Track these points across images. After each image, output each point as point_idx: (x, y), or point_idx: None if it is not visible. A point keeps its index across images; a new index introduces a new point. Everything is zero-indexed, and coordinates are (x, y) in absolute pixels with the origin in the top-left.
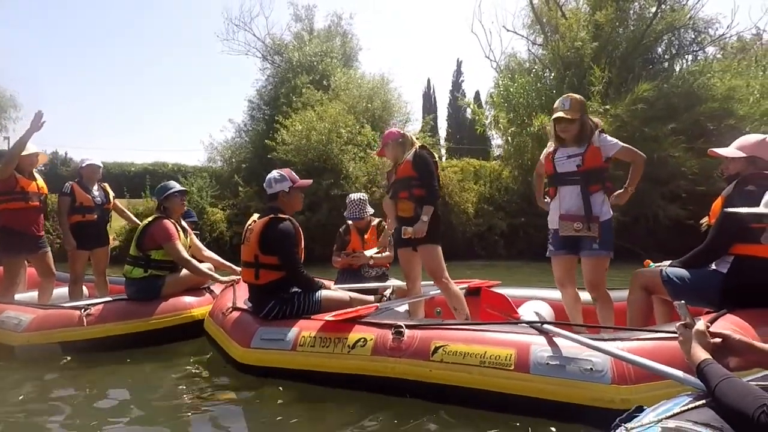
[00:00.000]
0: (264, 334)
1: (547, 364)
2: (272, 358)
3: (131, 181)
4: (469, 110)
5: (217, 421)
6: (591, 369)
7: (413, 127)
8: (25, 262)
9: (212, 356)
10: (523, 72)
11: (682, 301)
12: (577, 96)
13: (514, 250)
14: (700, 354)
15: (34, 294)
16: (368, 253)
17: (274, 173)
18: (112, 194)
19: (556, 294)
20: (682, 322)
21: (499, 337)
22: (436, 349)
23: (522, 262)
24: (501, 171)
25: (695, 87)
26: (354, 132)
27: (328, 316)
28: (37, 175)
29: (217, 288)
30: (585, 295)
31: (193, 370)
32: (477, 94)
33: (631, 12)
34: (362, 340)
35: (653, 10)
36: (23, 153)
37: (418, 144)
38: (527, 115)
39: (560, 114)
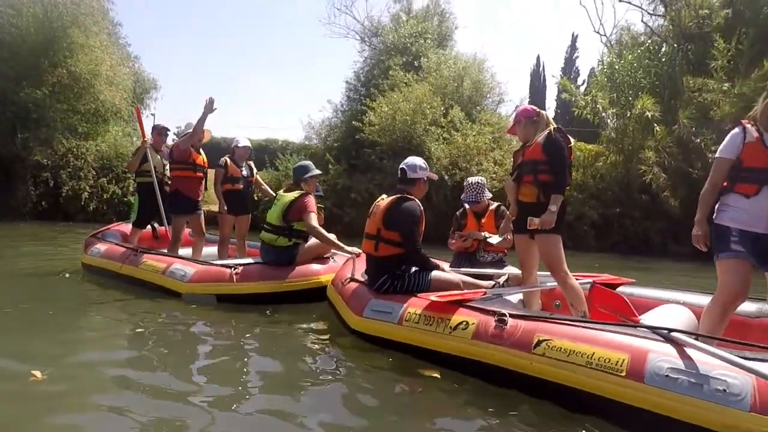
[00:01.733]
0: (375, 305)
1: (667, 376)
2: (380, 328)
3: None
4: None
5: (322, 375)
6: (725, 390)
7: (506, 109)
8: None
9: (332, 320)
10: (634, 47)
11: None
12: None
13: (606, 242)
14: None
15: (188, 251)
16: (490, 239)
17: (419, 161)
18: (255, 170)
19: (699, 299)
20: None
21: (612, 339)
22: (540, 342)
23: (617, 255)
24: (597, 156)
25: None
26: (439, 113)
27: (434, 296)
28: (201, 151)
29: (339, 259)
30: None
31: (315, 330)
32: (591, 72)
33: None
34: (464, 323)
35: None
36: (190, 130)
37: (553, 126)
38: (633, 95)
39: None
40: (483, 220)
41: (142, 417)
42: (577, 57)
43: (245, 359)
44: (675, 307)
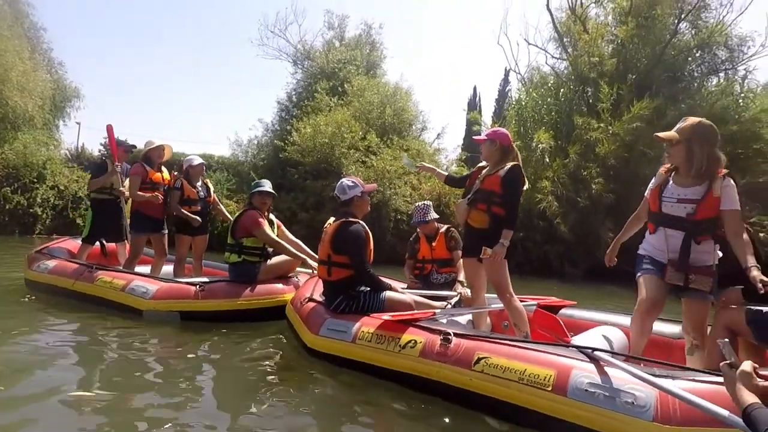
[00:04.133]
0: (331, 325)
1: (585, 390)
2: (335, 347)
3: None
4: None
5: (275, 391)
6: (632, 403)
7: (428, 136)
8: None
9: (290, 338)
10: (538, 86)
11: (726, 340)
12: (698, 119)
13: (512, 263)
14: (747, 398)
15: (143, 268)
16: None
17: (347, 181)
18: (212, 189)
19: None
20: (726, 362)
21: (542, 357)
22: (479, 359)
23: (518, 276)
24: None
25: (717, 108)
26: (357, 138)
27: (387, 316)
28: (163, 168)
29: (303, 277)
30: (657, 327)
31: (273, 347)
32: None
33: (655, 29)
34: (413, 341)
35: (681, 26)
36: (150, 147)
37: (517, 162)
38: (536, 130)
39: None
40: (434, 243)
41: None
42: (509, 90)
43: (202, 377)
44: (609, 329)
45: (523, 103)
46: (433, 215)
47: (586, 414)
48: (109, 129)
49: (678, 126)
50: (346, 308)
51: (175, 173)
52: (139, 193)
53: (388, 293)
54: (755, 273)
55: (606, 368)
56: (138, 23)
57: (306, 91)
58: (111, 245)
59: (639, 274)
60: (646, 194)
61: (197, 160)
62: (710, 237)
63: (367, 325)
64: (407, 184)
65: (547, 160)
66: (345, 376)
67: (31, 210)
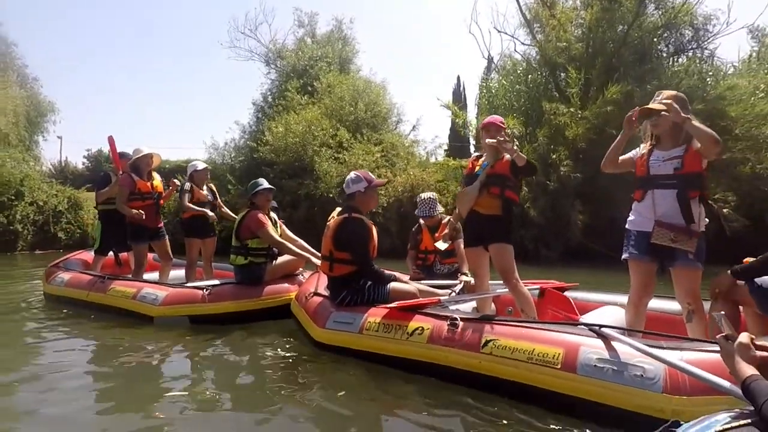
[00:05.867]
0: (336, 317)
1: (595, 366)
2: (342, 338)
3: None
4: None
5: (288, 387)
6: (641, 375)
7: (403, 128)
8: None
9: (297, 334)
10: (509, 73)
11: (722, 312)
12: (673, 91)
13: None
14: (745, 369)
15: (153, 275)
16: (439, 245)
17: (351, 174)
18: (217, 193)
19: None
20: (723, 334)
21: (549, 336)
22: (487, 342)
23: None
24: None
25: (683, 87)
26: (328, 135)
27: (392, 305)
28: (155, 175)
29: (306, 275)
30: (655, 303)
31: (281, 344)
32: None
33: (620, 11)
34: (420, 328)
35: (648, 8)
36: (138, 155)
37: None
38: (505, 117)
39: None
40: (437, 234)
41: None
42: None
43: (215, 377)
44: (613, 308)
45: (494, 91)
46: (440, 209)
47: (596, 389)
48: (111, 140)
49: (658, 98)
50: (351, 302)
51: (176, 181)
52: (126, 207)
53: (392, 284)
54: None
55: (614, 344)
56: (110, 34)
57: (279, 90)
58: (125, 254)
59: (625, 255)
60: (628, 155)
61: (201, 165)
62: (697, 196)
63: (374, 315)
64: (380, 177)
65: (517, 145)
66: (354, 366)
67: (11, 227)
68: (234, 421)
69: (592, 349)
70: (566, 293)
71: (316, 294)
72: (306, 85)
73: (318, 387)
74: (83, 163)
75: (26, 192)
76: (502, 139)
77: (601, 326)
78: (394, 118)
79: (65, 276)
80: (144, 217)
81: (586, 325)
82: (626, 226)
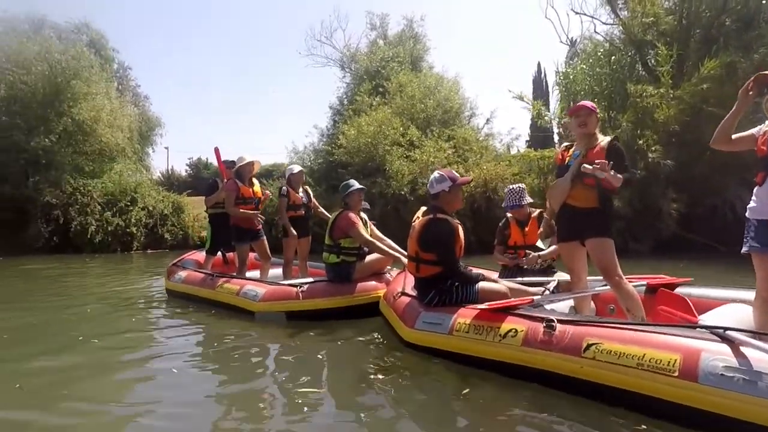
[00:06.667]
0: (426, 318)
1: (721, 375)
2: (431, 339)
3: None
4: None
5: (380, 384)
6: None
7: (477, 121)
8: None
9: (386, 332)
10: (589, 57)
11: None
12: None
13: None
14: None
15: (255, 273)
16: (541, 252)
17: (435, 174)
18: (312, 194)
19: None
20: None
21: (662, 340)
22: (589, 346)
23: None
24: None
25: None
26: (399, 133)
27: (483, 306)
28: (255, 182)
29: (394, 274)
30: None
31: (372, 342)
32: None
33: None
34: (513, 330)
35: None
36: (242, 163)
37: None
38: None
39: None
40: (527, 229)
41: (229, 422)
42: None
43: (313, 371)
44: (738, 306)
45: (571, 77)
46: (528, 199)
47: (724, 401)
48: (216, 151)
49: None
50: (439, 302)
51: (267, 192)
52: (241, 210)
53: (481, 284)
54: None
55: (743, 349)
56: (207, 53)
57: (353, 93)
58: (231, 254)
59: (746, 248)
60: (748, 132)
61: (297, 168)
62: None
63: (463, 316)
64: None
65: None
66: (445, 368)
67: (128, 230)
68: (329, 417)
69: (716, 355)
70: (678, 290)
71: (403, 294)
72: (377, 86)
73: (410, 386)
74: (186, 171)
75: (139, 198)
76: (598, 167)
77: (726, 329)
78: (467, 112)
79: (183, 274)
80: (259, 218)
81: (706, 327)
82: (746, 214)
